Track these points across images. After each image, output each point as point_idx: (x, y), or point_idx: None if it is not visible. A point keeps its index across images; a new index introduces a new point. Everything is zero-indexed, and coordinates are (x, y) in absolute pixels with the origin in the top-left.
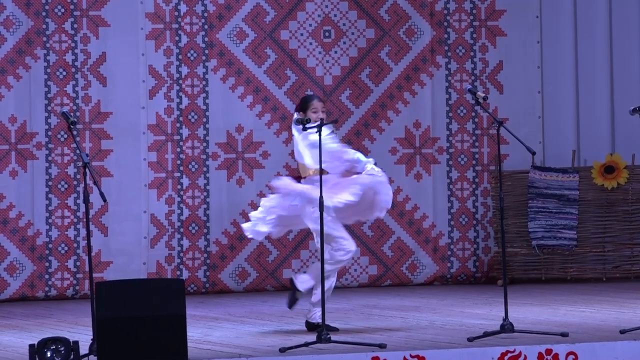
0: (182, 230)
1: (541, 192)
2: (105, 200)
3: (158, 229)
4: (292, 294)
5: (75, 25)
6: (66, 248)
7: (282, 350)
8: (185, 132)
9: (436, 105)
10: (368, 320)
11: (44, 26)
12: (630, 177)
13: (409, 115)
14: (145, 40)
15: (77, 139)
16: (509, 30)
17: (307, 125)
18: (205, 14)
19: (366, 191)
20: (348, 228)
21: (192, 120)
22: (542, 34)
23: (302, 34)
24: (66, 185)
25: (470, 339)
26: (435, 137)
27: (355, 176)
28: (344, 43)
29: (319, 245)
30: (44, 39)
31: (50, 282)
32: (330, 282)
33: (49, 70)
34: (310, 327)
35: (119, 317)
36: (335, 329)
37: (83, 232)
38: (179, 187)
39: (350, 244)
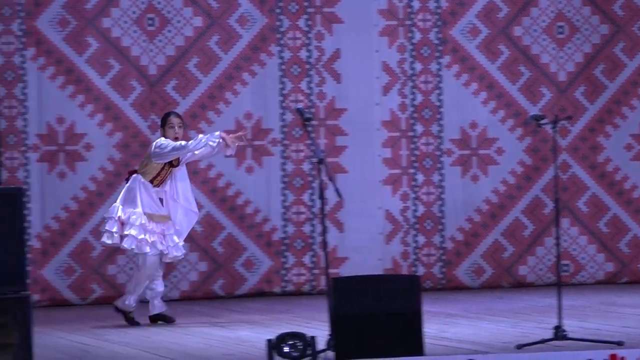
0: (417, 226)
1: None
2: (340, 197)
3: (393, 225)
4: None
5: (310, 22)
6: (302, 244)
7: (519, 347)
8: (419, 128)
9: None
10: (605, 318)
11: (278, 23)
12: None
13: None
14: (378, 36)
15: (312, 135)
16: None
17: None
18: (439, 11)
19: None
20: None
21: (426, 116)
22: None
23: (535, 30)
24: (301, 182)
25: None
26: None
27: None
28: (578, 39)
29: None
30: (278, 35)
31: (286, 278)
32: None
33: (283, 67)
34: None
35: (355, 312)
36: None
37: (319, 228)
38: (413, 183)
39: None
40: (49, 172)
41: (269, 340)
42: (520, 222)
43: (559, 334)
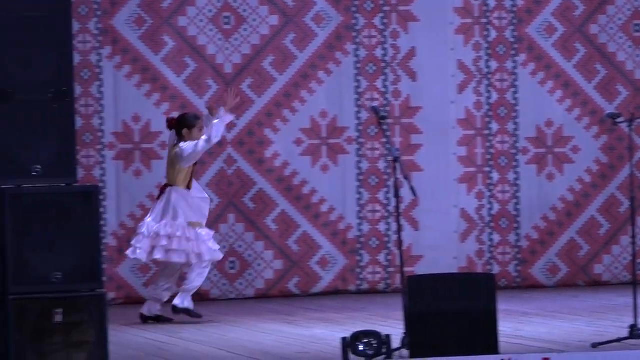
0: (492, 225)
1: None
2: (416, 195)
3: (468, 223)
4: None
5: (385, 21)
6: (377, 242)
7: (594, 345)
8: (494, 126)
9: None
10: None
11: (354, 21)
12: None
13: None
14: (454, 35)
15: (388, 133)
16: None
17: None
18: (514, 9)
19: None
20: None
21: (502, 115)
22: None
23: (611, 28)
24: (377, 180)
25: None
26: None
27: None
28: None
29: None
30: (354, 34)
31: (362, 276)
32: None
33: (359, 65)
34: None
35: (430, 311)
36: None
37: (394, 226)
38: (488, 181)
39: None
40: (125, 170)
41: (344, 339)
42: (596, 220)
43: (635, 332)
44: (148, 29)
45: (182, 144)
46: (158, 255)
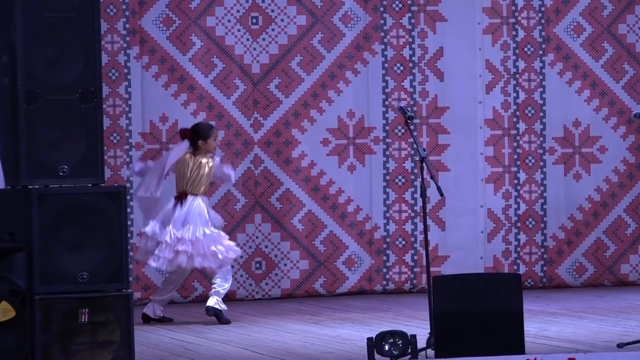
0: (518, 224)
1: None
2: (442, 195)
3: (495, 223)
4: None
5: (413, 21)
6: (404, 242)
7: (620, 345)
8: (522, 126)
9: None
10: None
11: (382, 21)
12: None
13: None
14: (482, 35)
15: (414, 133)
16: None
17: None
18: (542, 9)
19: None
20: None
21: (529, 114)
22: None
23: None
24: (403, 180)
25: None
26: None
27: None
28: None
29: None
30: (382, 34)
31: (388, 276)
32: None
33: (386, 65)
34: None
35: (456, 311)
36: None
37: (420, 226)
38: (515, 181)
39: None
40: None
41: (370, 339)
42: (623, 220)
43: None
44: (176, 29)
45: (226, 169)
46: (182, 262)
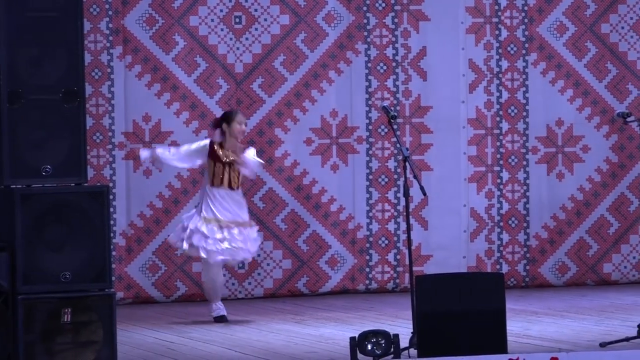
0: (501, 224)
1: None
2: (425, 194)
3: (478, 222)
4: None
5: (396, 20)
6: (387, 241)
7: (603, 345)
8: (505, 126)
9: None
10: None
11: (365, 21)
12: None
13: None
14: (465, 34)
15: (398, 132)
16: None
17: None
18: (526, 8)
19: None
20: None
21: (512, 114)
22: None
23: (622, 28)
24: (386, 179)
25: None
26: None
27: None
28: None
29: None
30: (365, 33)
31: (370, 275)
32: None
33: (369, 64)
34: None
35: (439, 310)
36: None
37: (403, 225)
38: (498, 181)
39: None
40: (135, 170)
41: (352, 338)
42: (606, 219)
43: None
44: (159, 28)
45: (248, 159)
46: (226, 257)
